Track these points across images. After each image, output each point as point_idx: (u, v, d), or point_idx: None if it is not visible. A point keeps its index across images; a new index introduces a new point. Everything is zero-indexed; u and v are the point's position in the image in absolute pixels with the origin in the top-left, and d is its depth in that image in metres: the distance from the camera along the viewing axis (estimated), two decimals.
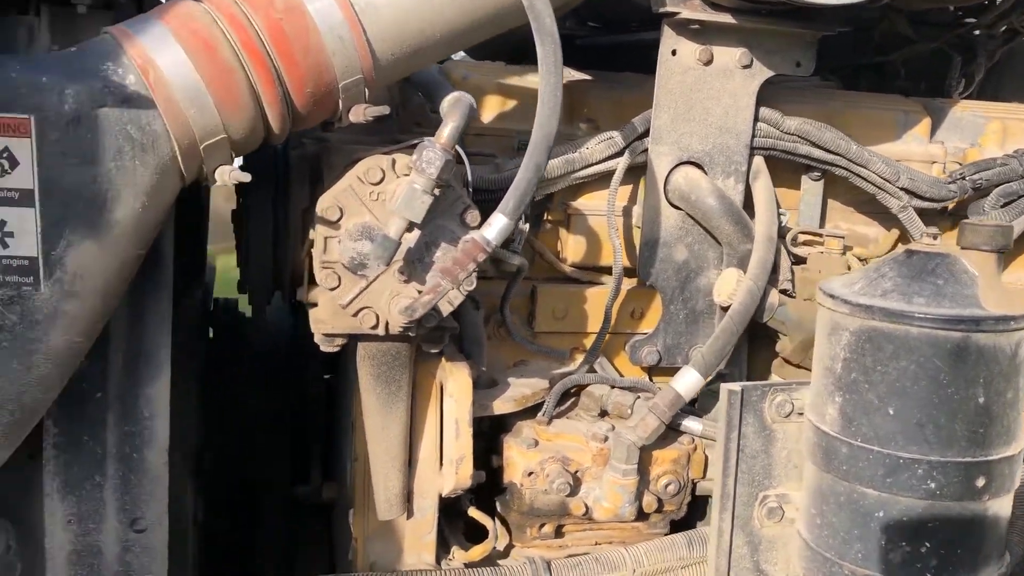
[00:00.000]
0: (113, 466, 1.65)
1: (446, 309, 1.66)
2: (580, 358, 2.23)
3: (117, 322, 1.62)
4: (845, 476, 1.60)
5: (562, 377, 2.15)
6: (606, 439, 2.01)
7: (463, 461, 1.90)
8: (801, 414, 1.84)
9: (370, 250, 1.60)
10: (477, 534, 2.14)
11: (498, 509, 2.11)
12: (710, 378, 2.03)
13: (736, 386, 1.85)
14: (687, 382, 1.98)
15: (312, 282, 1.82)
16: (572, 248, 2.17)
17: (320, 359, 2.52)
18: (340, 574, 1.94)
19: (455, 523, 2.13)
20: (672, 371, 2.22)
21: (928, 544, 1.56)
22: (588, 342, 2.24)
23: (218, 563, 2.64)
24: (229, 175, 1.41)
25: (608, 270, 2.19)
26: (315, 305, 1.82)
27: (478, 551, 2.02)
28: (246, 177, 1.39)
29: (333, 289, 1.64)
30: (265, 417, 2.40)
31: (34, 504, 1.66)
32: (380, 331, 1.68)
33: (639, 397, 2.09)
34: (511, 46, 2.17)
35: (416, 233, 1.62)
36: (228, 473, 2.49)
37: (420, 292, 1.63)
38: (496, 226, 1.55)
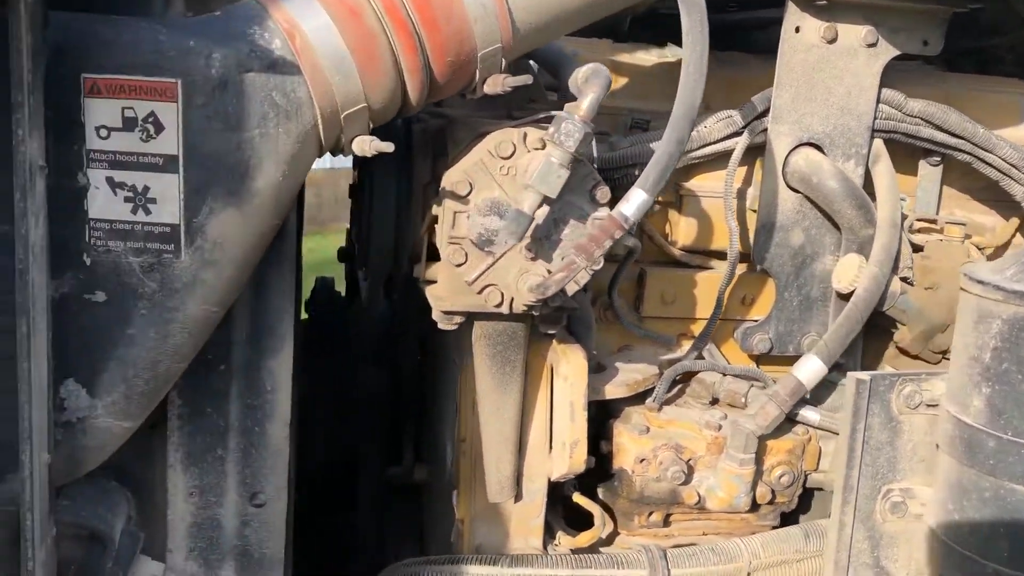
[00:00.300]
0: (235, 439, 1.63)
1: (571, 289, 1.61)
2: (687, 344, 2.17)
3: (243, 295, 1.60)
4: (992, 471, 1.53)
5: (670, 363, 2.10)
6: (720, 427, 1.96)
7: (577, 445, 1.85)
8: (931, 405, 1.77)
9: (501, 226, 1.56)
10: (578, 521, 2.10)
11: (600, 496, 2.07)
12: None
13: (865, 375, 1.79)
14: (809, 370, 1.92)
15: (431, 259, 1.79)
16: (683, 231, 2.11)
17: (413, 339, 2.49)
18: (460, 553, 1.90)
19: (555, 509, 2.09)
20: (781, 360, 2.18)
21: None
22: (696, 328, 2.18)
23: (310, 542, 2.63)
24: (369, 145, 1.37)
25: (719, 254, 2.13)
26: (433, 282, 1.78)
27: (586, 537, 1.98)
28: (388, 147, 1.36)
29: (459, 265, 1.60)
30: (361, 397, 2.37)
31: (154, 475, 1.65)
32: (504, 309, 1.64)
33: (753, 385, 2.03)
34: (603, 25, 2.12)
35: (545, 209, 1.58)
36: (323, 453, 2.47)
37: (549, 270, 1.59)
38: (635, 202, 1.50)
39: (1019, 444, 1.49)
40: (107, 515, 1.54)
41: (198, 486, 1.62)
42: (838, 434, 1.99)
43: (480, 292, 1.63)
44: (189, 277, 1.39)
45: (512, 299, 1.63)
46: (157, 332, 1.40)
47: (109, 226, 1.36)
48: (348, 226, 2.88)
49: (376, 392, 2.38)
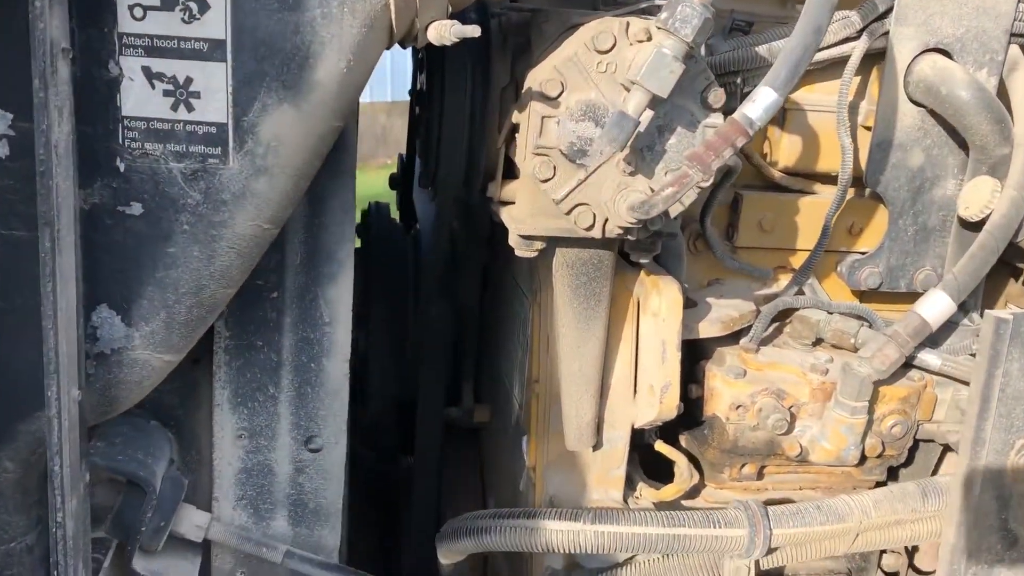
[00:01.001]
0: (288, 376, 1.44)
1: (676, 209, 1.39)
2: (785, 279, 1.94)
3: (297, 211, 1.40)
4: None
5: (767, 299, 1.88)
6: (827, 371, 1.74)
7: (668, 389, 1.65)
8: None
9: (597, 133, 1.33)
10: (658, 471, 1.90)
11: (686, 444, 1.86)
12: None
13: (1005, 314, 1.56)
14: (935, 307, 1.68)
15: (508, 175, 1.57)
16: (785, 150, 1.87)
17: (476, 269, 2.29)
18: (530, 505, 1.72)
19: (634, 458, 1.89)
20: (890, 297, 1.94)
21: None
22: (796, 261, 1.95)
23: (364, 484, 2.47)
24: (450, 31, 1.14)
25: (825, 177, 1.90)
26: (509, 203, 1.57)
27: (671, 490, 1.79)
28: (474, 31, 1.12)
29: (546, 181, 1.38)
30: (420, 333, 2.18)
31: (199, 415, 1.47)
32: (596, 233, 1.42)
33: (864, 325, 1.81)
34: None
35: (649, 114, 1.34)
36: (378, 391, 2.29)
37: (652, 188, 1.36)
38: (762, 103, 1.26)
39: None
40: (147, 459, 1.36)
41: (247, 428, 1.44)
42: (959, 381, 1.76)
43: (569, 212, 1.40)
44: (238, 187, 1.18)
45: (606, 221, 1.41)
46: (201, 251, 1.20)
47: (145, 125, 1.16)
48: (399, 153, 2.65)
49: (437, 328, 2.18)
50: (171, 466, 1.48)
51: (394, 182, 2.69)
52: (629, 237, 1.44)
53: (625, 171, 1.37)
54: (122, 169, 1.16)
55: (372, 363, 2.24)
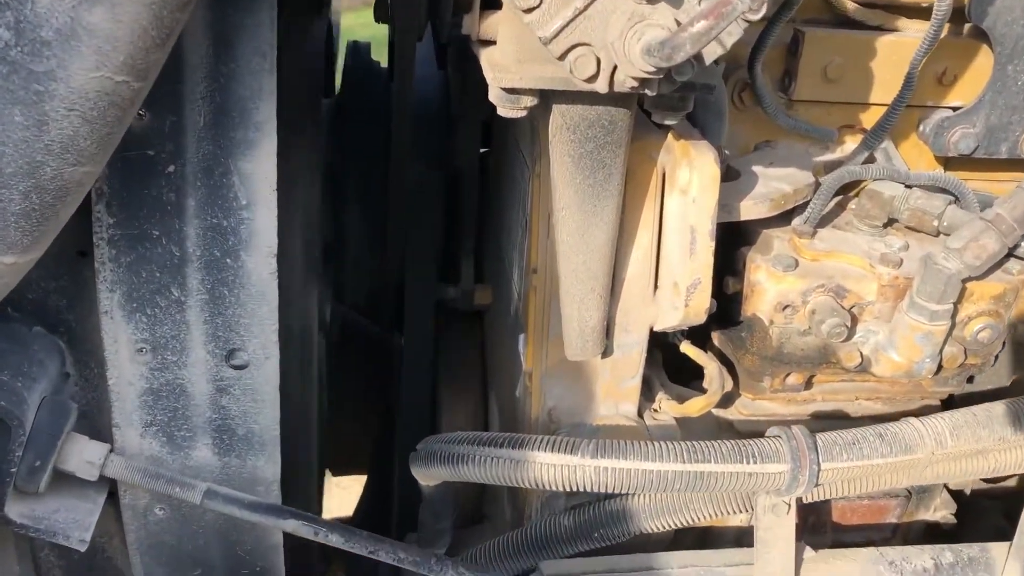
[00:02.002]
0: (197, 275, 1.11)
1: (713, 52, 0.99)
2: (853, 142, 1.54)
3: (193, 52, 1.03)
4: None
5: (828, 168, 1.49)
6: (902, 262, 1.36)
7: (698, 287, 1.29)
8: None
9: None
10: (681, 373, 1.58)
11: (718, 345, 1.53)
12: None
13: None
14: None
15: (487, 5, 1.17)
16: None
17: (475, 125, 1.91)
18: (527, 413, 1.42)
19: (654, 358, 1.57)
20: (987, 165, 1.54)
21: None
22: (867, 119, 1.54)
23: (352, 373, 2.20)
24: None
25: (913, 9, 1.46)
26: (491, 43, 1.17)
27: (698, 404, 1.46)
28: None
29: (531, 11, 0.98)
30: (408, 199, 1.83)
31: (94, 318, 1.16)
32: (600, 85, 1.03)
33: (951, 202, 1.42)
34: None
35: None
36: (363, 270, 1.97)
37: (678, 20, 0.96)
38: None
39: None
40: (13, 381, 1.06)
41: (148, 340, 1.13)
42: None
43: (562, 57, 1.01)
44: (63, 20, 0.81)
45: (614, 68, 1.01)
46: (25, 115, 0.85)
47: None
48: None
49: (426, 194, 1.83)
50: (66, 383, 1.19)
51: (381, 13, 2.25)
52: (647, 91, 1.05)
53: None
54: None
55: (348, 238, 1.91)
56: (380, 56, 2.09)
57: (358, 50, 1.96)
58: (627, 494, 1.41)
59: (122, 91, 0.88)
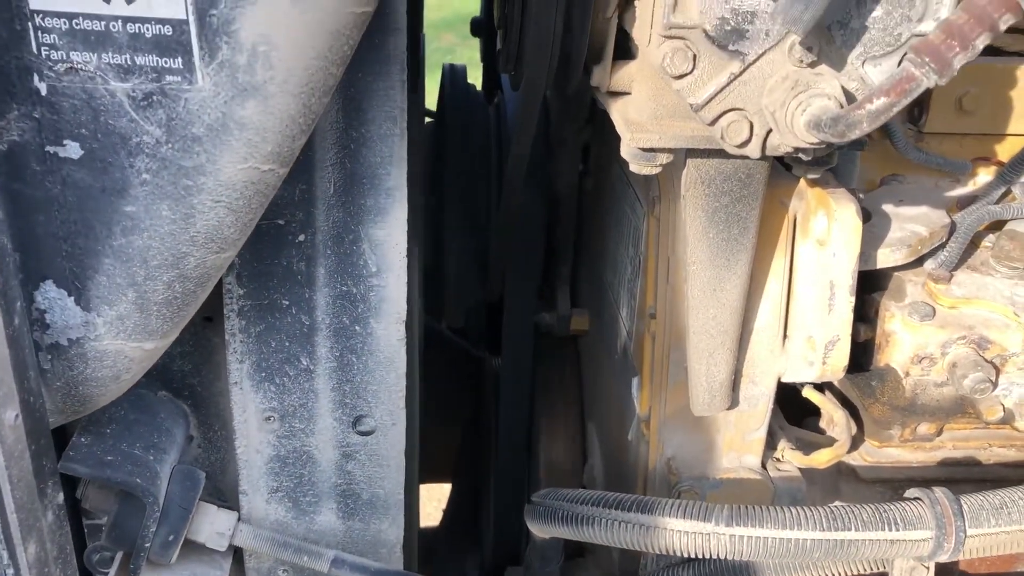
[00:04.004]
0: (326, 343, 1.08)
1: (881, 120, 0.92)
2: (986, 174, 1.46)
3: (324, 119, 1.00)
4: None
5: (962, 204, 1.41)
6: None
7: (837, 344, 1.23)
8: None
9: (767, 5, 0.87)
10: (797, 414, 1.52)
11: (844, 392, 1.46)
12: None
13: None
14: None
15: (622, 56, 1.11)
16: None
17: (574, 151, 1.85)
18: (640, 458, 1.38)
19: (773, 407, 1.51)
20: None
21: None
22: (1003, 151, 1.45)
23: (439, 383, 2.17)
24: None
25: None
26: (623, 94, 1.12)
27: (825, 456, 1.40)
28: None
29: (682, 77, 0.93)
30: (505, 224, 1.78)
31: (220, 382, 1.14)
32: (753, 151, 0.97)
33: None
34: None
35: None
36: (457, 287, 1.94)
37: (847, 89, 0.90)
38: None
39: None
40: (146, 454, 1.05)
41: (276, 409, 1.11)
42: None
43: (713, 123, 0.96)
44: (215, 116, 0.78)
45: (767, 133, 0.96)
46: (173, 209, 0.82)
47: (67, 24, 0.75)
48: None
49: (528, 218, 1.79)
50: (189, 445, 1.17)
51: (478, 28, 2.20)
52: (802, 157, 0.99)
53: (803, 61, 0.91)
54: (44, 92, 0.77)
55: (448, 259, 1.87)
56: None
57: (455, 73, 1.92)
58: None
59: (268, 179, 0.85)
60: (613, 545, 1.25)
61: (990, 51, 1.40)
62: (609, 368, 1.70)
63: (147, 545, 1.04)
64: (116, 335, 0.88)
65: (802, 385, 1.47)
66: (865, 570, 1.32)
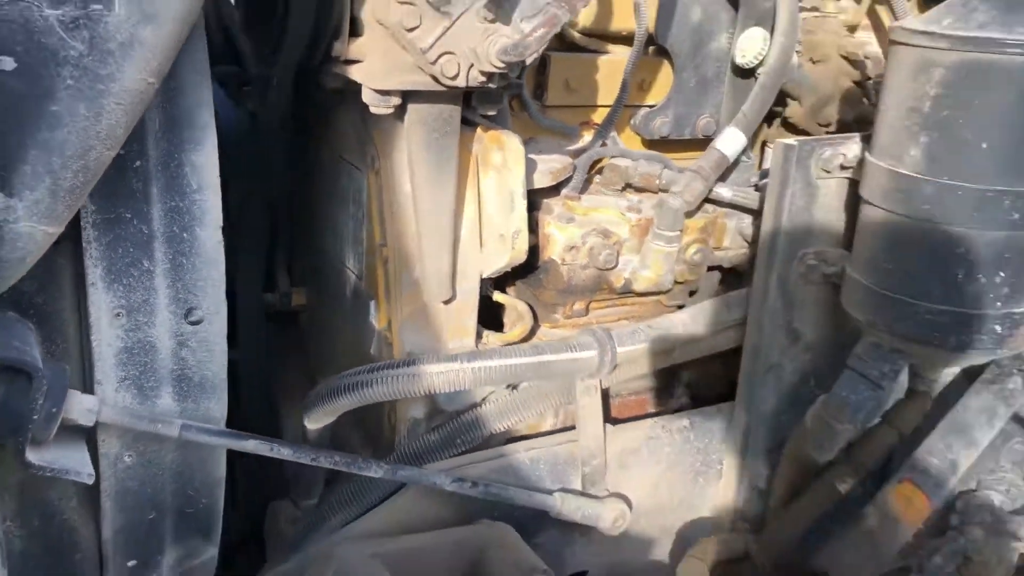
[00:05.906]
0: (161, 249, 1.39)
1: (533, 56, 1.48)
2: (588, 135, 2.12)
3: None
4: (928, 215, 1.62)
5: (577, 153, 2.05)
6: (641, 210, 1.94)
7: (519, 235, 1.77)
8: (845, 167, 1.85)
9: None
10: (488, 322, 2.05)
11: (514, 294, 2.02)
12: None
13: (791, 141, 1.83)
14: (731, 141, 1.93)
15: (354, 32, 1.57)
16: (585, 12, 2.01)
17: (281, 151, 2.24)
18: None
19: None
20: (676, 145, 2.18)
21: (1002, 274, 1.62)
22: (596, 117, 2.13)
23: None
24: None
25: (617, 38, 2.07)
26: (355, 62, 1.58)
27: (516, 332, 1.93)
28: None
29: (412, 30, 1.42)
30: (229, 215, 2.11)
31: (62, 300, 1.39)
32: (461, 81, 1.48)
33: (665, 167, 2.03)
34: None
35: None
36: None
37: (523, 31, 1.44)
38: None
39: (956, 187, 1.58)
40: (23, 346, 1.27)
41: (124, 306, 1.38)
42: (744, 209, 2.04)
43: (435, 62, 1.46)
44: (126, 35, 1.12)
45: (470, 68, 1.48)
46: (88, 108, 1.13)
47: None
48: None
49: (250, 213, 2.14)
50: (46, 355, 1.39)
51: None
52: (490, 85, 1.52)
53: (486, 17, 1.44)
54: None
55: None
56: None
57: None
58: (474, 407, 1.84)
59: (150, 91, 1.18)
60: (392, 398, 1.66)
61: (581, 49, 2.07)
62: (341, 318, 2.09)
63: (35, 417, 1.26)
64: (30, 217, 1.15)
65: (490, 292, 1.99)
66: (567, 403, 1.86)
